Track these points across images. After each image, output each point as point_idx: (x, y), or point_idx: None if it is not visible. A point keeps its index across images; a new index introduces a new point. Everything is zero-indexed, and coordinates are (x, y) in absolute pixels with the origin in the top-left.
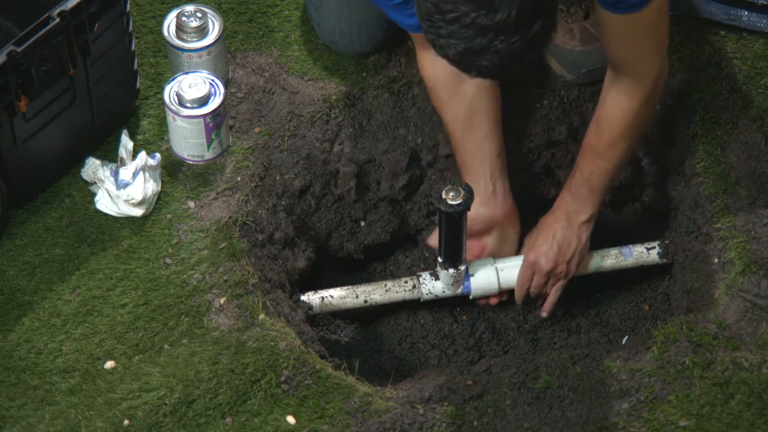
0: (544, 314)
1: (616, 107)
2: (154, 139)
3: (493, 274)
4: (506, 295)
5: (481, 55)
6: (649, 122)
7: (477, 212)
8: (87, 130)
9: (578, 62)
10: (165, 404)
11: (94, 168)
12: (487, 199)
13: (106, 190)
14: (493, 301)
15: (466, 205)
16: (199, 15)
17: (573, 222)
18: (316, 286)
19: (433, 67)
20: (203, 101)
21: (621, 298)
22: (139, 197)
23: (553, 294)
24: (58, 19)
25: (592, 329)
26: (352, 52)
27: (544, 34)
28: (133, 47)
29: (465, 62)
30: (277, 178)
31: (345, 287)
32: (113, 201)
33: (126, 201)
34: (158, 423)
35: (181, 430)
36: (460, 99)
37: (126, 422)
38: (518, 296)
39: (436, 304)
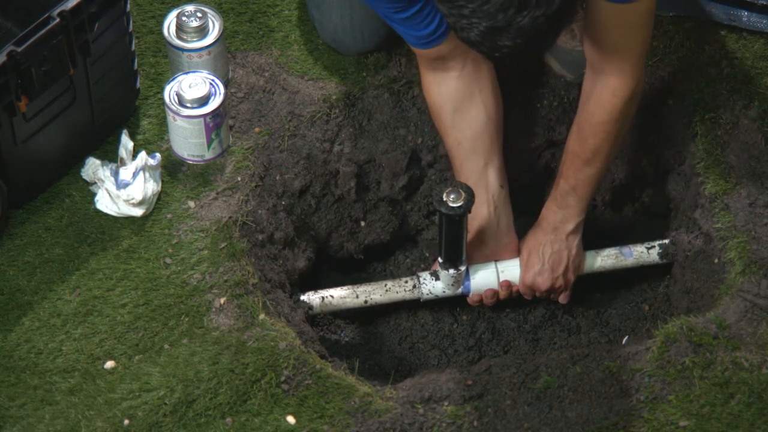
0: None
1: (600, 107)
2: (154, 139)
3: (494, 275)
4: (502, 293)
5: (503, 33)
6: (630, 125)
7: (479, 251)
8: (87, 130)
9: (578, 62)
10: (165, 404)
11: (94, 168)
12: (492, 234)
13: (106, 190)
14: (488, 302)
15: (467, 207)
16: (199, 15)
17: (560, 233)
18: (316, 286)
19: (438, 91)
20: (203, 101)
21: (621, 298)
22: (139, 197)
23: (564, 297)
24: (58, 19)
25: (592, 329)
26: (354, 50)
27: (566, 11)
28: (133, 47)
29: (487, 43)
30: (277, 178)
31: (345, 287)
32: (113, 201)
33: (126, 201)
34: (158, 423)
35: (181, 430)
36: (466, 124)
37: (126, 422)
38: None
39: (436, 304)
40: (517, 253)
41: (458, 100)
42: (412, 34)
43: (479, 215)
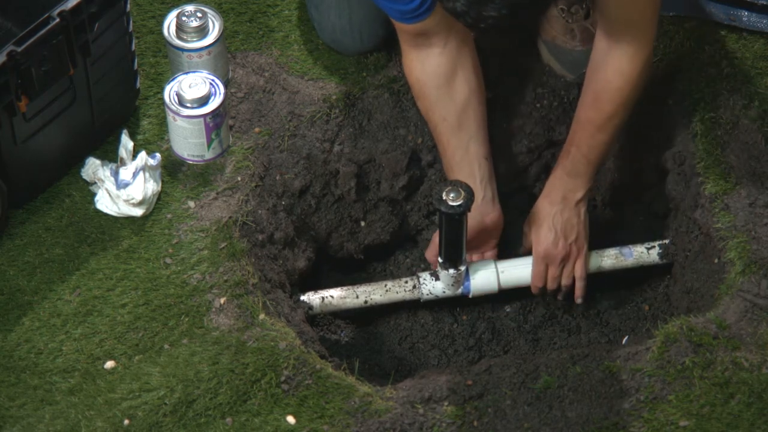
0: (579, 300)
1: (617, 75)
2: (154, 139)
3: (493, 275)
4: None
5: (489, 4)
6: (642, 93)
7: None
8: (87, 130)
9: (579, 62)
10: (165, 404)
11: (94, 168)
12: (477, 206)
13: (106, 190)
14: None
15: (467, 205)
16: (199, 15)
17: (569, 201)
18: (316, 286)
19: (422, 68)
20: (203, 101)
21: (621, 298)
22: (139, 197)
23: (579, 278)
24: (58, 19)
25: (592, 329)
26: (353, 50)
27: None
28: (133, 47)
29: (472, 13)
30: (277, 178)
31: (345, 287)
32: (113, 201)
33: (126, 201)
34: (158, 423)
35: (181, 430)
36: (450, 99)
37: (126, 422)
38: (535, 292)
39: (436, 304)
40: (502, 223)
41: (441, 76)
42: (398, 9)
43: None
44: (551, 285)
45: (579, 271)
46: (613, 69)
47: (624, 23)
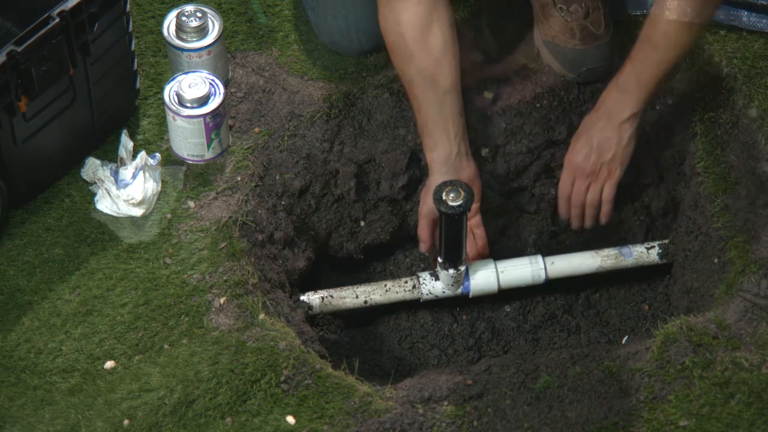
0: (603, 221)
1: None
2: (154, 139)
3: (493, 275)
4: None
5: None
6: (706, 20)
7: (441, 177)
8: (87, 130)
9: (578, 61)
10: (165, 404)
11: (94, 168)
12: (451, 162)
13: (106, 190)
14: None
15: (467, 205)
16: (199, 15)
17: (614, 119)
18: (316, 286)
19: (398, 20)
20: (203, 101)
21: (621, 298)
22: (139, 197)
23: (606, 201)
24: (58, 19)
25: (592, 329)
26: (351, 51)
27: None
28: (133, 47)
29: None
30: (277, 178)
31: (345, 287)
32: (113, 201)
33: (126, 201)
34: (158, 423)
35: (181, 430)
36: (427, 52)
37: (126, 422)
38: (561, 207)
39: (436, 304)
40: (476, 180)
41: (417, 28)
42: None
43: (440, 142)
44: (575, 199)
45: (607, 193)
46: None
47: None
